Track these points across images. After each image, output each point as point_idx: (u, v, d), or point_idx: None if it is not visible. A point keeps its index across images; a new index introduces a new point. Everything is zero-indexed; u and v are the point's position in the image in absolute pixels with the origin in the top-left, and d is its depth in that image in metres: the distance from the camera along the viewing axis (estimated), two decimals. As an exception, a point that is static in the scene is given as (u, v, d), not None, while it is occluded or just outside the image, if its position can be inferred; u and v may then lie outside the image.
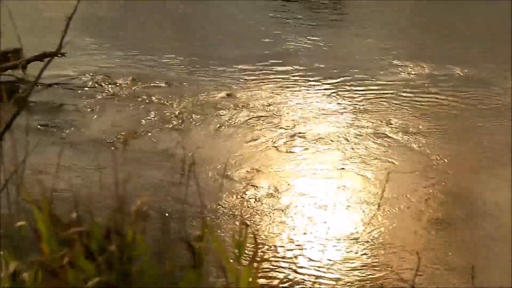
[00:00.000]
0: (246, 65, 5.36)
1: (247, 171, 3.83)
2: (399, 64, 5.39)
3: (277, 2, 6.88)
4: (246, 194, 3.56)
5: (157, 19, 6.42)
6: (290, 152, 4.12)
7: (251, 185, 3.69)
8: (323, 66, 5.37)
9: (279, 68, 5.35)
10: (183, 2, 6.86)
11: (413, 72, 5.27)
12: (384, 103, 4.76)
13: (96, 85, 5.08)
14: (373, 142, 4.22)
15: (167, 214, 2.78)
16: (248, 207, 3.45)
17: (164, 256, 1.61)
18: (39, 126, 4.34)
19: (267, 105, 4.71)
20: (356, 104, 4.77)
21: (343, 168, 3.90)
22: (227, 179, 3.69)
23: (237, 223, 3.08)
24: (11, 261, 1.74)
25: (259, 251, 1.84)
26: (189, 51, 5.64)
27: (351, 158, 4.04)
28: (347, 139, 4.25)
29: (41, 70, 1.73)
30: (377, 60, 5.48)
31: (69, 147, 4.08)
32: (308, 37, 5.98)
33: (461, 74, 5.25)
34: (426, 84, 5.08)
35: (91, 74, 5.24)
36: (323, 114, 4.61)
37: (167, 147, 4.04)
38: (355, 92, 4.96)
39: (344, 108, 4.72)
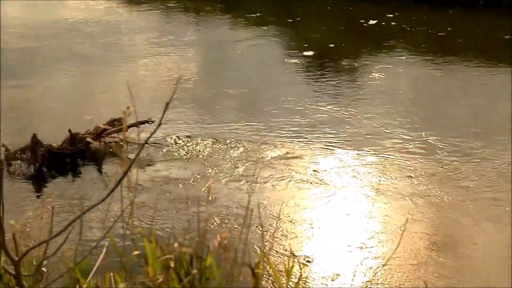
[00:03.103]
0: (291, 132, 5.44)
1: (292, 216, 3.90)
2: (402, 132, 5.37)
3: (309, 81, 7.01)
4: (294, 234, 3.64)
5: (225, 94, 6.59)
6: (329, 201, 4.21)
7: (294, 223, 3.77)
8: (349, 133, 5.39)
9: (318, 134, 5.39)
10: (243, 85, 7.04)
11: (414, 140, 5.21)
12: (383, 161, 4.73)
13: (177, 143, 5.22)
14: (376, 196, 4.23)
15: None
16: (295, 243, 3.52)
17: (232, 278, 1.69)
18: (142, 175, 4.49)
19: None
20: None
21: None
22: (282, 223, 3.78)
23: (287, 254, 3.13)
24: (120, 282, 1.84)
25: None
26: (249, 120, 5.75)
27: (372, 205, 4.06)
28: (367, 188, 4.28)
29: (150, 135, 1.84)
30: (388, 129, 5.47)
31: (163, 193, 4.22)
32: (332, 108, 6.03)
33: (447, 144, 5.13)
34: (424, 150, 5.00)
35: (174, 135, 5.37)
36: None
37: (239, 198, 4.11)
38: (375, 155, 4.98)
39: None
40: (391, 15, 9.63)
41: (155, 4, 10.78)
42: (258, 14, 9.97)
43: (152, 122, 5.29)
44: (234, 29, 9.24)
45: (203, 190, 3.95)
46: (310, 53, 7.92)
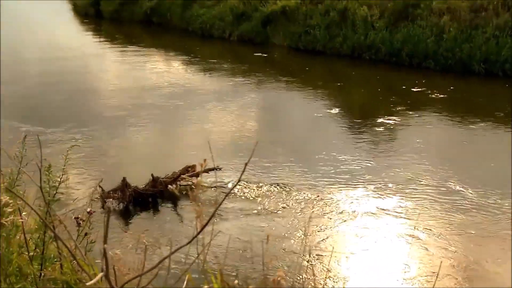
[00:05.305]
0: (332, 180, 5.44)
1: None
2: (433, 182, 5.22)
3: (349, 135, 7.03)
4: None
5: (286, 152, 6.66)
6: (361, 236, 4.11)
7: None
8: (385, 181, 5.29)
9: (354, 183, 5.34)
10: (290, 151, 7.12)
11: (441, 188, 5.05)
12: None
13: (237, 188, 5.28)
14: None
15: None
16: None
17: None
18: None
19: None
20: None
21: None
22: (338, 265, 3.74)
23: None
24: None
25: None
26: (298, 170, 5.77)
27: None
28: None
29: (229, 191, 1.90)
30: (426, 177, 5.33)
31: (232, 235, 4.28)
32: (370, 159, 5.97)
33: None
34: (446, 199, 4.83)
35: (234, 181, 5.42)
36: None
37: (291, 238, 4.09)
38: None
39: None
40: (427, 83, 9.55)
41: (222, 70, 11.29)
42: (312, 81, 10.19)
43: (220, 169, 5.44)
44: (290, 92, 9.45)
45: (263, 236, 3.97)
46: (356, 113, 7.93)
